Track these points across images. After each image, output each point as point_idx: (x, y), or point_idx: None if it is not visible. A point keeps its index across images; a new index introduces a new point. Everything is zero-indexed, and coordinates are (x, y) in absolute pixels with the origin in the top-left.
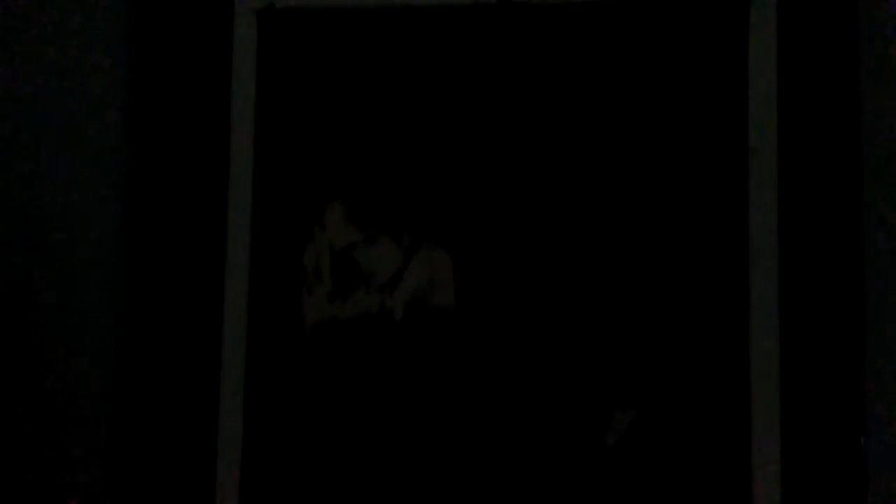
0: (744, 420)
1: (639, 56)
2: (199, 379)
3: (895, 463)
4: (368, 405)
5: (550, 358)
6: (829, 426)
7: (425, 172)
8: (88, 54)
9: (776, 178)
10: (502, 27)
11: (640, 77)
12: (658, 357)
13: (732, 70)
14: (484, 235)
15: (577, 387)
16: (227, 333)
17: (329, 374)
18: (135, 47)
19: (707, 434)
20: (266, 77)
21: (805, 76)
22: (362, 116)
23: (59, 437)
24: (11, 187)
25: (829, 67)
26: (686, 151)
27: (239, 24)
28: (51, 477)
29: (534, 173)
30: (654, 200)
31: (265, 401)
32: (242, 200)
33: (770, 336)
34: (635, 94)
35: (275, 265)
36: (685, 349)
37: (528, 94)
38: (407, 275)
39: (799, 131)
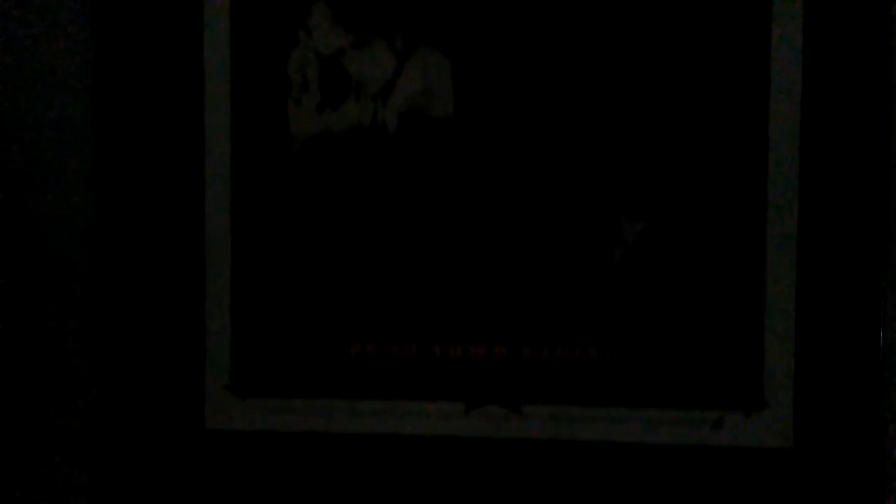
0: (758, 237)
1: None
2: (184, 202)
3: None
4: (361, 223)
5: (554, 167)
6: (848, 241)
7: None
8: None
9: None
10: None
11: None
12: (669, 165)
13: None
14: (486, 36)
15: (581, 197)
16: (210, 153)
17: (319, 192)
18: None
19: (718, 250)
20: None
21: None
22: None
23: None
24: None
25: None
26: None
27: None
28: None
29: None
30: None
31: (252, 221)
32: (219, 2)
33: (791, 143)
34: None
35: (257, 75)
36: (698, 156)
37: None
38: (401, 82)
39: None
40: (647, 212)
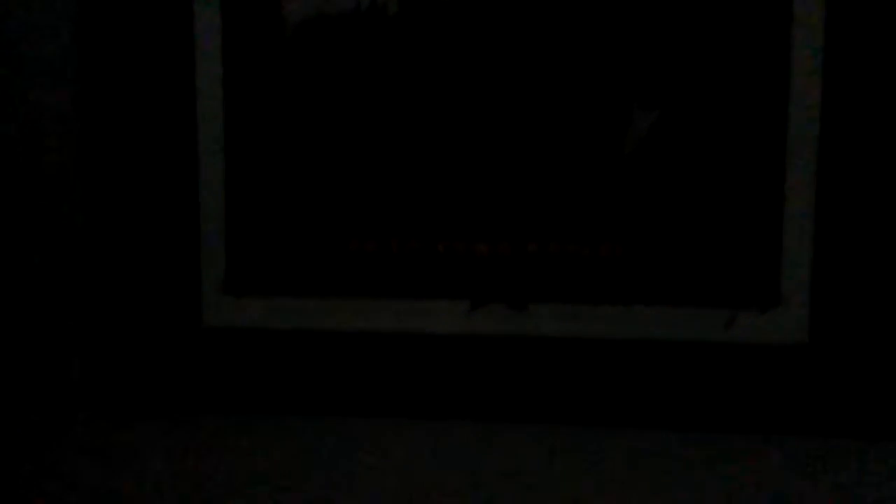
0: (779, 127)
1: None
2: (175, 95)
3: None
4: (359, 114)
5: (563, 51)
6: (872, 133)
7: None
8: None
9: None
10: None
11: None
12: (685, 46)
13: None
14: None
15: (593, 83)
16: (201, 42)
17: (315, 82)
18: None
19: (736, 141)
20: None
21: None
22: None
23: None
24: None
25: None
26: None
27: None
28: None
29: None
30: None
31: (246, 114)
32: None
33: (816, 19)
34: None
35: None
36: (717, 36)
37: None
38: None
39: None
40: (662, 99)
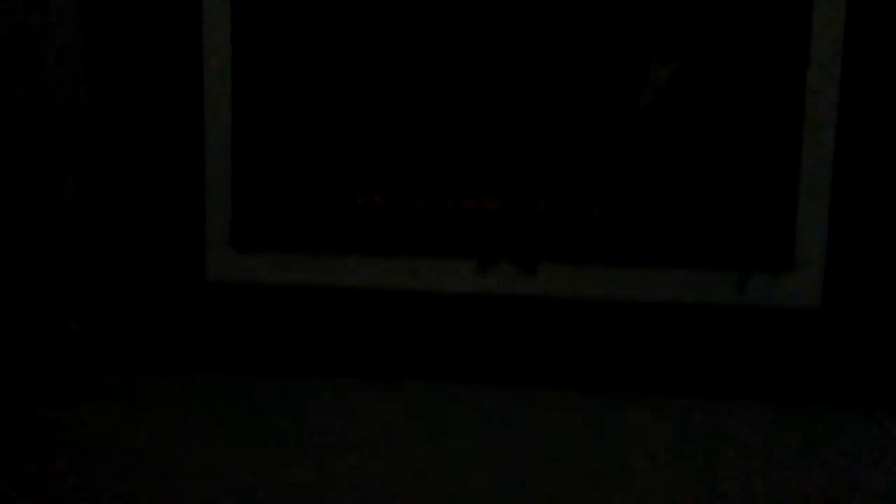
0: (798, 86)
1: None
2: (180, 47)
3: None
4: (369, 66)
5: (579, 3)
6: (891, 98)
7: None
8: None
9: None
10: None
11: None
12: None
13: None
14: None
15: (607, 34)
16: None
17: (323, 30)
18: None
19: (753, 99)
20: None
21: None
22: None
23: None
24: None
25: None
26: None
27: None
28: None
29: None
30: None
31: (252, 64)
32: None
33: None
34: None
35: None
36: None
37: None
38: None
39: None
40: (680, 52)
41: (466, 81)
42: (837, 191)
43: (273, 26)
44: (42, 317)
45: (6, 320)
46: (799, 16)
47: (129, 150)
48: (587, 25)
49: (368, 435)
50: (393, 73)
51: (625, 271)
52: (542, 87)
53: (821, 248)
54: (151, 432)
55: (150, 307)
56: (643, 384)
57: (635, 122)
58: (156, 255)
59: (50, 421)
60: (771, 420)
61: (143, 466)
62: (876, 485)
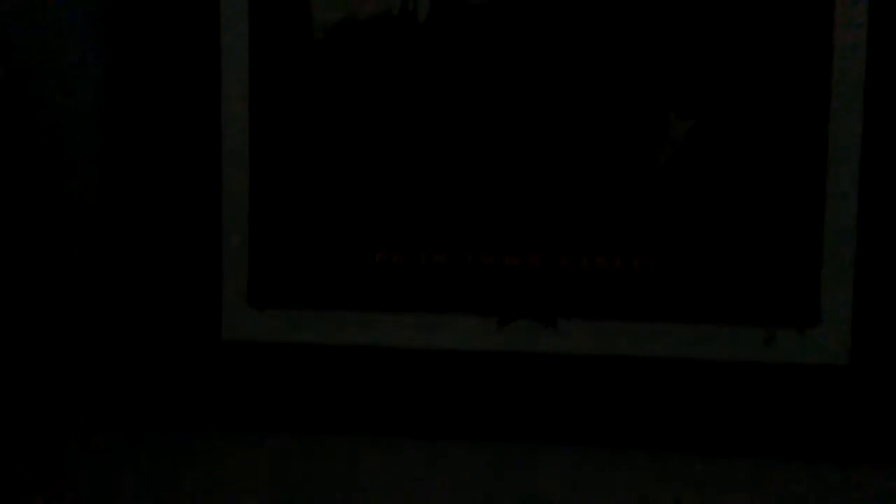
0: (819, 138)
1: None
2: (200, 101)
3: None
4: (388, 122)
5: (598, 57)
6: None
7: None
8: None
9: None
10: None
11: None
12: (724, 54)
13: None
14: None
15: (627, 90)
16: (228, 46)
17: (343, 88)
18: None
19: (775, 152)
20: None
21: None
22: None
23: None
24: None
25: None
26: None
27: None
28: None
29: None
30: None
31: (272, 120)
32: None
33: (857, 40)
34: None
35: None
36: (756, 44)
37: None
38: None
39: None
40: (699, 107)
41: (485, 138)
42: (863, 243)
43: (293, 82)
44: (57, 376)
45: (20, 383)
46: (819, 69)
47: (146, 208)
48: (608, 82)
49: (387, 494)
50: (411, 130)
51: (646, 326)
52: (560, 142)
53: (847, 302)
54: (165, 492)
55: (166, 366)
56: (666, 443)
57: (656, 178)
58: (172, 315)
59: (55, 476)
60: (795, 479)
61: None
62: None
